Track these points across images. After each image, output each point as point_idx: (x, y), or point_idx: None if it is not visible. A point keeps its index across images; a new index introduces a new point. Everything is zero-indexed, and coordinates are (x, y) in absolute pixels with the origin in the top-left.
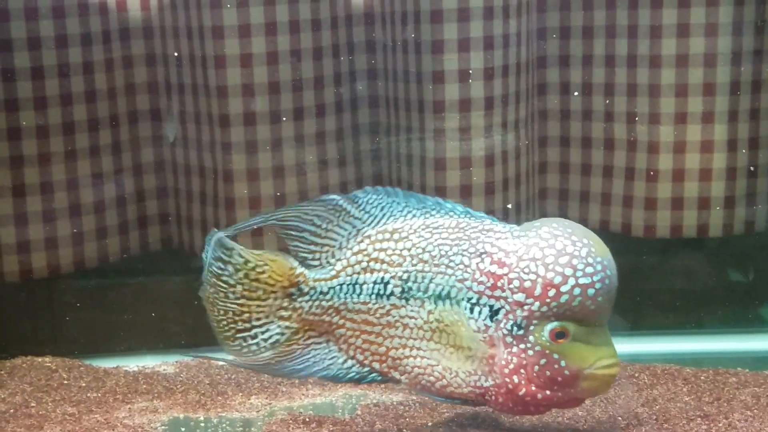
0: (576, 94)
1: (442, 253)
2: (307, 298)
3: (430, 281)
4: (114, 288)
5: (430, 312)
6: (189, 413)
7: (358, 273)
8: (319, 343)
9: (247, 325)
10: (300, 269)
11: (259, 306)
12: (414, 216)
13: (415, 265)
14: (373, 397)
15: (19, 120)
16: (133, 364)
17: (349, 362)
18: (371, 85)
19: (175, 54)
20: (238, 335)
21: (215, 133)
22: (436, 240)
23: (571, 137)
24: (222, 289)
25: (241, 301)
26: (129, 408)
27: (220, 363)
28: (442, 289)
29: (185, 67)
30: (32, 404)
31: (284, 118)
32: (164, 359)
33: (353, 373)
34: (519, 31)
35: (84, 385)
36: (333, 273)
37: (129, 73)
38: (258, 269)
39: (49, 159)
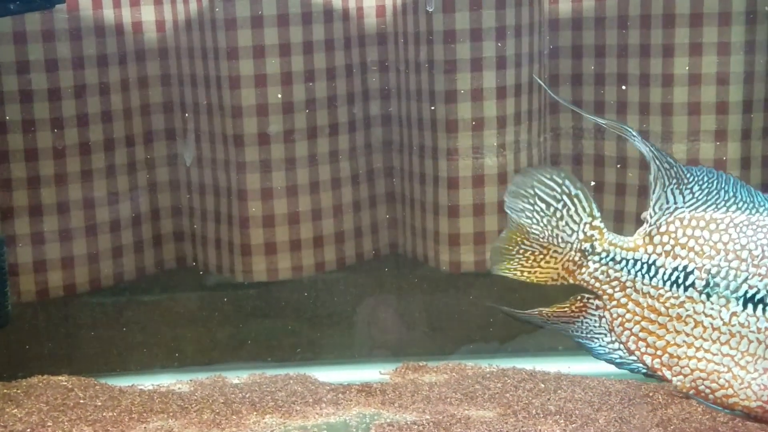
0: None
1: (766, 254)
2: (596, 258)
3: (744, 281)
4: (129, 306)
5: (734, 314)
6: None
7: (660, 254)
8: (592, 314)
9: (533, 262)
10: (600, 222)
11: (554, 254)
12: (738, 209)
13: (730, 261)
14: (387, 416)
15: (35, 140)
16: (148, 382)
17: (616, 344)
18: (384, 104)
19: (190, 75)
20: (518, 266)
21: (230, 152)
22: (759, 239)
23: (584, 155)
24: (527, 216)
25: (534, 236)
26: (144, 427)
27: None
28: (757, 293)
29: (200, 88)
30: (48, 423)
31: (298, 138)
32: (179, 378)
33: (616, 357)
34: (531, 50)
35: (100, 404)
36: (632, 245)
37: (144, 94)
38: (560, 205)
39: (66, 179)
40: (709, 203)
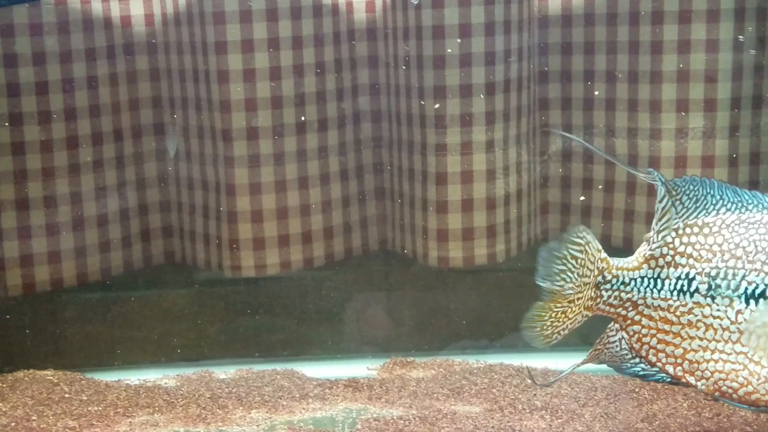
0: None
1: (759, 249)
2: (608, 286)
3: (743, 279)
4: (116, 301)
5: (739, 312)
6: (189, 427)
7: (662, 267)
8: (613, 338)
9: (566, 322)
10: (604, 253)
11: (578, 301)
12: (727, 210)
13: (726, 261)
14: (374, 411)
15: (23, 134)
16: (134, 377)
17: (637, 359)
18: (373, 99)
19: (179, 69)
20: (554, 333)
21: (218, 147)
22: (751, 236)
23: (573, 152)
24: (558, 290)
25: (566, 303)
26: (130, 422)
27: (219, 375)
28: (756, 288)
29: (189, 82)
30: (33, 417)
31: (286, 133)
32: (166, 372)
33: (638, 369)
34: (520, 46)
35: (85, 398)
36: (636, 264)
37: (133, 88)
38: (580, 253)
39: (53, 173)
40: (698, 209)
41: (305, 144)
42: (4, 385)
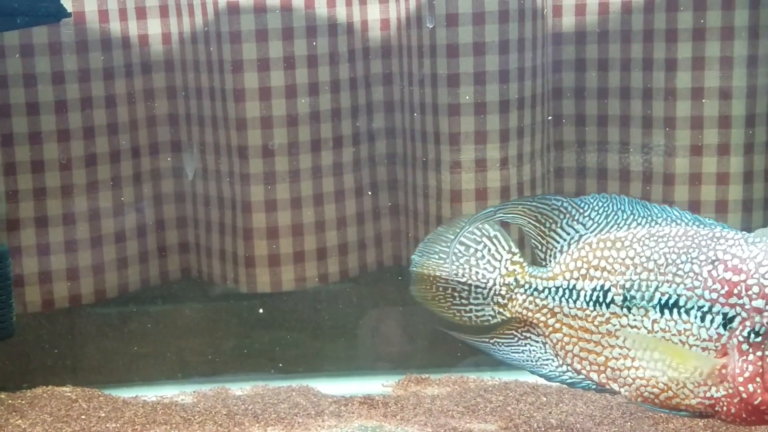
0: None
1: (669, 261)
2: (521, 290)
3: (656, 290)
4: (134, 317)
5: (655, 321)
6: None
7: (577, 279)
8: (536, 341)
9: (465, 302)
10: (519, 257)
11: (478, 287)
12: (638, 224)
13: (639, 273)
14: (389, 429)
15: (42, 152)
16: (151, 393)
17: (564, 367)
18: (388, 117)
19: (196, 87)
20: (452, 308)
21: (234, 164)
22: (661, 249)
23: (587, 168)
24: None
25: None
26: None
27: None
28: (669, 298)
29: (205, 100)
30: None
31: (302, 150)
32: (182, 389)
33: (566, 377)
34: (534, 63)
35: (103, 415)
36: (550, 274)
37: (150, 106)
38: (480, 246)
39: (71, 190)
40: (610, 225)
41: (320, 161)
42: (24, 402)
